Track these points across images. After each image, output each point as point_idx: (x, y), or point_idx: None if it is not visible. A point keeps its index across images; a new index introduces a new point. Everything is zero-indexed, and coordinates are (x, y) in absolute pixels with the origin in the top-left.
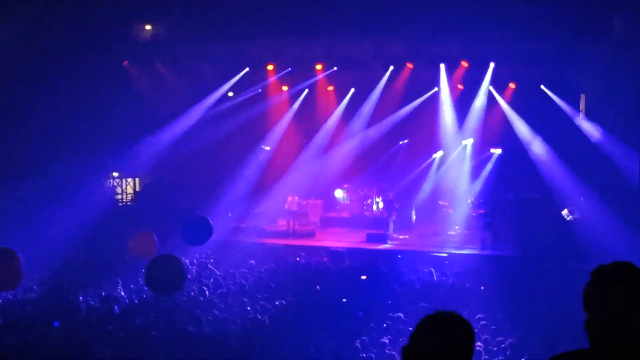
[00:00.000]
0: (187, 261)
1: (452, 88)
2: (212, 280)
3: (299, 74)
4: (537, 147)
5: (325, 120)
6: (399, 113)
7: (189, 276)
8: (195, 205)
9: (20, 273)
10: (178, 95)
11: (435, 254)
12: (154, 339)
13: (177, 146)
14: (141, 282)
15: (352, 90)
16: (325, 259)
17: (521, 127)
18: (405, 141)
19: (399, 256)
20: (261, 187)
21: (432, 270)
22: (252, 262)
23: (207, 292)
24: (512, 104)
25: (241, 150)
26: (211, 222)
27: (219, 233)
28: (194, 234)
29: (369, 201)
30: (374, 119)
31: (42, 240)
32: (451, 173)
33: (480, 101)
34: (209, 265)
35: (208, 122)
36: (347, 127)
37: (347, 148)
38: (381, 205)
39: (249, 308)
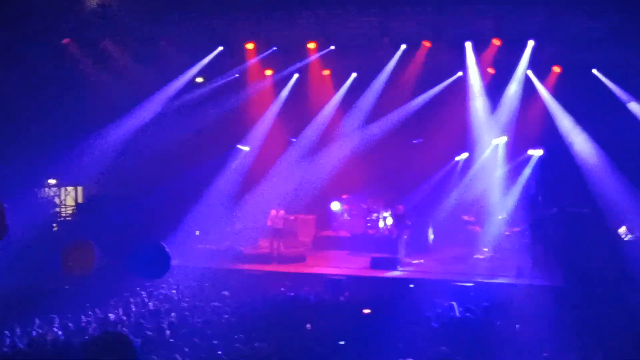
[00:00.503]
0: (143, 293)
1: (481, 72)
2: (173, 316)
3: (286, 55)
4: (586, 147)
5: (319, 112)
6: (412, 104)
7: (143, 310)
8: (154, 222)
9: None
10: (133, 82)
11: (459, 284)
12: None
13: (131, 147)
14: (85, 320)
15: (354, 75)
16: (318, 289)
17: (567, 123)
18: (419, 140)
19: (412, 286)
20: (238, 199)
21: (454, 304)
22: (226, 293)
23: (167, 332)
24: (555, 92)
25: (213, 152)
26: (168, 251)
27: (184, 257)
28: (145, 266)
29: (374, 216)
30: (380, 111)
31: None
32: (479, 180)
33: (515, 89)
34: (171, 297)
35: (171, 116)
36: (346, 121)
37: (347, 148)
38: (390, 221)
39: (220, 352)
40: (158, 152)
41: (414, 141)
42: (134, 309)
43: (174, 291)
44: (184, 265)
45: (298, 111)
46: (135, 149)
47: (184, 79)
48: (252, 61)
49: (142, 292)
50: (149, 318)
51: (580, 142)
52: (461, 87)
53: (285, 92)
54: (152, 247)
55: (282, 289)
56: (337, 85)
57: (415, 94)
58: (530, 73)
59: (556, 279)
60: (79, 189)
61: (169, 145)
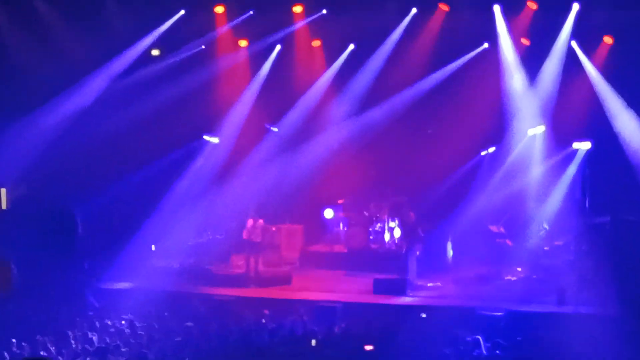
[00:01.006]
0: (85, 325)
1: (514, 44)
2: (125, 351)
3: (265, 21)
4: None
5: (306, 93)
6: (424, 84)
7: (85, 346)
8: (98, 233)
9: None
10: (69, 54)
11: (485, 313)
12: None
13: (68, 138)
14: None
15: (351, 47)
16: (305, 318)
17: (617, 107)
18: (433, 130)
19: (424, 315)
20: (205, 204)
21: (480, 338)
22: (190, 324)
23: None
24: (606, 70)
25: (173, 145)
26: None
27: (137, 278)
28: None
29: (377, 227)
30: (383, 93)
31: None
32: (510, 181)
33: (555, 65)
34: (121, 329)
35: (119, 99)
36: (340, 105)
37: (342, 140)
38: (397, 233)
39: None
40: (102, 144)
41: (429, 131)
42: (73, 345)
43: (124, 322)
44: (137, 288)
45: (280, 92)
46: (73, 141)
47: (135, 51)
48: (223, 29)
49: (83, 323)
50: (93, 357)
51: (631, 130)
52: (487, 63)
53: (265, 68)
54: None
55: (263, 321)
56: (330, 60)
57: (428, 71)
58: (574, 45)
59: (609, 305)
60: (2, 191)
61: (116, 136)
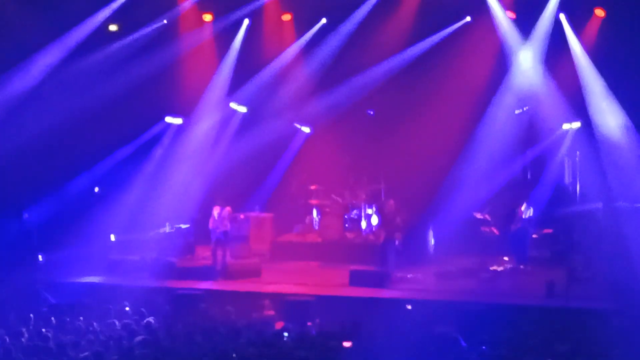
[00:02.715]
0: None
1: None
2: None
3: None
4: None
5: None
6: (401, 59)
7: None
8: (53, 224)
9: None
10: (12, 28)
11: (468, 306)
12: None
13: (14, 121)
14: None
15: (323, 20)
16: (272, 312)
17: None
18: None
19: (409, 307)
20: (168, 191)
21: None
22: (151, 320)
23: None
24: (596, 46)
25: (134, 128)
26: None
27: (94, 271)
28: None
29: (354, 214)
30: (354, 70)
31: None
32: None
33: (541, 40)
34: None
35: (71, 79)
36: (310, 79)
37: (313, 118)
38: (375, 221)
39: None
40: (55, 130)
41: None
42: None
43: (82, 318)
44: (96, 284)
45: (248, 69)
46: (20, 125)
47: (89, 26)
48: (186, 2)
49: (38, 320)
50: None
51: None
52: (469, 39)
53: (235, 44)
54: None
55: (232, 317)
56: (302, 35)
57: (405, 46)
58: (563, 18)
59: (601, 299)
60: None
61: (70, 122)
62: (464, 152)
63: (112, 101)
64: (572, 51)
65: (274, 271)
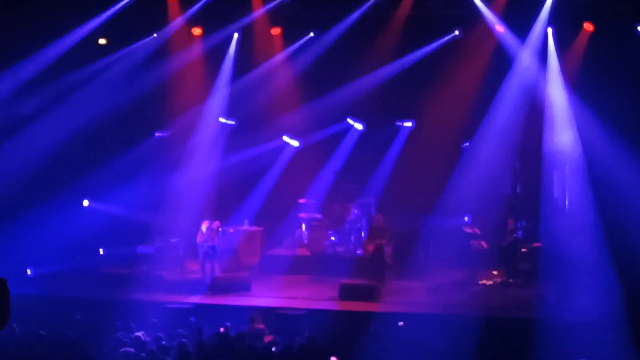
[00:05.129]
0: None
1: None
2: None
3: (222, 7)
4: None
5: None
6: (389, 70)
7: None
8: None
9: None
10: None
11: (459, 320)
12: None
13: None
14: None
15: (311, 34)
16: (261, 326)
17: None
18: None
19: (401, 323)
20: (157, 205)
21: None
22: (140, 334)
23: None
24: (587, 58)
25: (123, 141)
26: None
27: (82, 284)
28: None
29: (344, 228)
30: (343, 81)
31: None
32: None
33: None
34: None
35: (55, 91)
36: (297, 94)
37: (301, 131)
38: (365, 234)
39: None
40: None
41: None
42: None
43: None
44: (84, 297)
45: (237, 82)
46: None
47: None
48: (176, 16)
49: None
50: None
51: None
52: (458, 52)
53: (228, 57)
54: None
55: (222, 330)
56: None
57: (396, 57)
58: (550, 33)
59: (594, 312)
60: None
61: (61, 136)
62: (454, 164)
63: (99, 117)
64: (548, 64)
65: (263, 284)
